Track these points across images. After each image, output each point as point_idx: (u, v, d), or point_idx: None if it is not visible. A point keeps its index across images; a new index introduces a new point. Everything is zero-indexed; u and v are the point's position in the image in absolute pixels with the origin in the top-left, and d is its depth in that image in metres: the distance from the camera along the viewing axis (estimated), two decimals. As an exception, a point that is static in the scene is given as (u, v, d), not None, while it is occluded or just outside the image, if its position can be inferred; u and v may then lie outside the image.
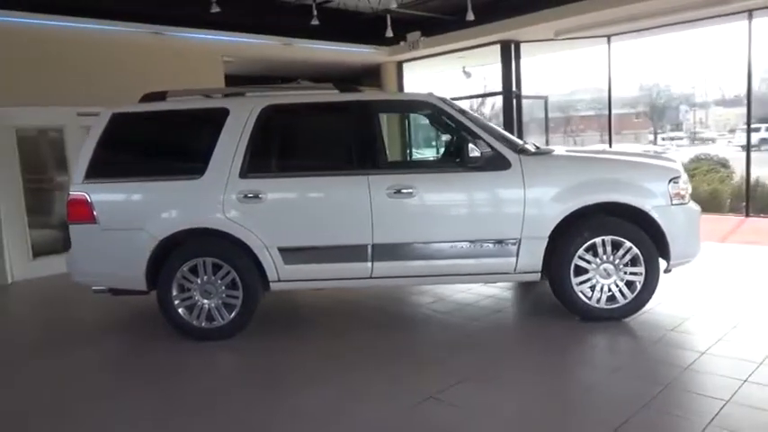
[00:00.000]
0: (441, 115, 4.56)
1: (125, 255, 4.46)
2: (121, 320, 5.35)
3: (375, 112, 4.56)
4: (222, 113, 4.54)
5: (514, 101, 10.13)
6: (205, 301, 4.50)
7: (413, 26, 10.30)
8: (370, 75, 12.08)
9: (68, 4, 6.99)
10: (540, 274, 4.43)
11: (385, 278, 4.47)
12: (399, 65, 11.71)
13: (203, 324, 4.51)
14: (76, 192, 4.48)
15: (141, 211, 4.48)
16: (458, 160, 4.42)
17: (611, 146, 10.12)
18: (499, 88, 10.28)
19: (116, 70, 7.68)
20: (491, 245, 4.36)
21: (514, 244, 4.35)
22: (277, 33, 9.13)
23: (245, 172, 4.43)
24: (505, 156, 4.35)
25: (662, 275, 4.47)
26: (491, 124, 4.98)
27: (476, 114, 5.19)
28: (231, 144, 4.47)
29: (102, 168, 4.51)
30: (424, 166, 4.87)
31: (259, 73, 11.10)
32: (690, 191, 4.59)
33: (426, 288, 5.68)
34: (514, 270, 4.40)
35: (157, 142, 4.73)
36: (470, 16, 8.18)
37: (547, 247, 4.35)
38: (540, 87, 11.01)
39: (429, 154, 12.60)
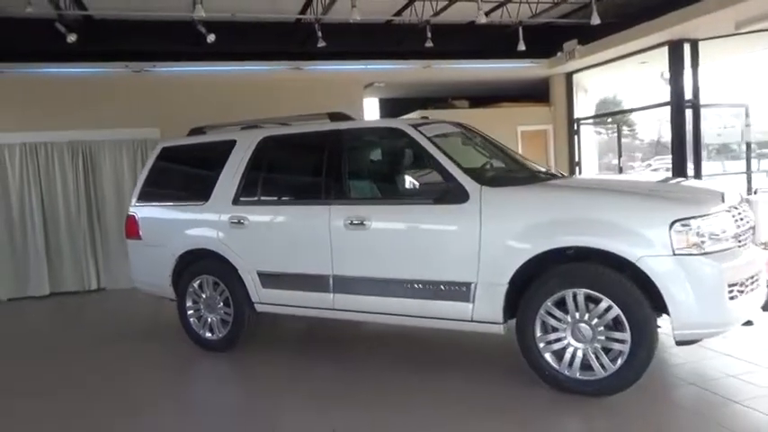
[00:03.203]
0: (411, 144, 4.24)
1: (158, 268, 5.21)
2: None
3: (343, 141, 4.44)
4: (231, 144, 4.98)
5: (690, 112, 8.39)
6: (208, 314, 4.98)
7: (571, 34, 9.36)
8: (542, 90, 11.32)
9: (214, 51, 8.21)
10: (501, 326, 3.78)
11: (345, 311, 4.35)
12: (569, 76, 10.69)
13: (207, 335, 5.00)
14: (130, 211, 5.43)
15: (166, 230, 5.19)
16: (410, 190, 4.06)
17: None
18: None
19: (259, 103, 8.67)
20: (442, 287, 3.89)
21: (469, 288, 3.80)
22: (413, 57, 9.25)
23: (238, 198, 4.78)
24: (464, 187, 3.84)
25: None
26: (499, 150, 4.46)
27: (486, 141, 4.72)
28: (231, 172, 4.88)
29: (149, 192, 5.38)
30: (388, 196, 4.54)
31: (412, 95, 11.35)
32: (729, 236, 3.38)
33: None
34: (471, 318, 3.84)
35: (187, 170, 5.45)
36: (596, 20, 7.14)
37: (510, 296, 3.70)
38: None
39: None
